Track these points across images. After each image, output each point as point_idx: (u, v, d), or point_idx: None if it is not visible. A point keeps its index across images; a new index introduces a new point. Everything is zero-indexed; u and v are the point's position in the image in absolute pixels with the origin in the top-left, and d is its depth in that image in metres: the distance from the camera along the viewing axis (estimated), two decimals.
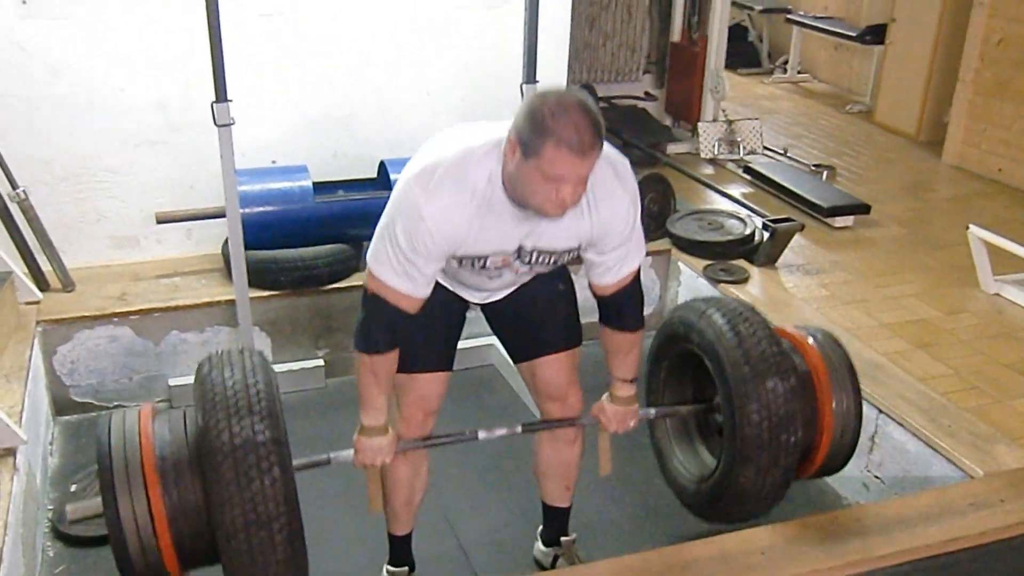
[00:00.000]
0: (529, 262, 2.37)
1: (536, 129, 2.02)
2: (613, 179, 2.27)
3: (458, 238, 2.21)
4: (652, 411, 2.95)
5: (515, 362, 2.78)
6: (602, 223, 2.29)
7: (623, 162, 2.32)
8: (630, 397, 2.64)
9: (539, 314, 2.65)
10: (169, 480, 2.29)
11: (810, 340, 2.87)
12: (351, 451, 2.52)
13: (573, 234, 2.30)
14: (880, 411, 3.34)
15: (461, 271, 2.41)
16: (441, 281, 2.49)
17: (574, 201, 2.12)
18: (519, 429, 2.73)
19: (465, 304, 2.63)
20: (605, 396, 2.68)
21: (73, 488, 3.49)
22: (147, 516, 2.25)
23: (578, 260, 2.45)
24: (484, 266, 2.34)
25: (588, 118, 2.02)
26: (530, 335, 2.68)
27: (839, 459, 2.86)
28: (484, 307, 2.67)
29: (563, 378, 2.70)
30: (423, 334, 2.52)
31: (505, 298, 2.60)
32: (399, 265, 2.23)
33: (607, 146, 2.19)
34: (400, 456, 2.65)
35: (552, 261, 2.39)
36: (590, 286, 2.49)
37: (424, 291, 2.30)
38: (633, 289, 2.48)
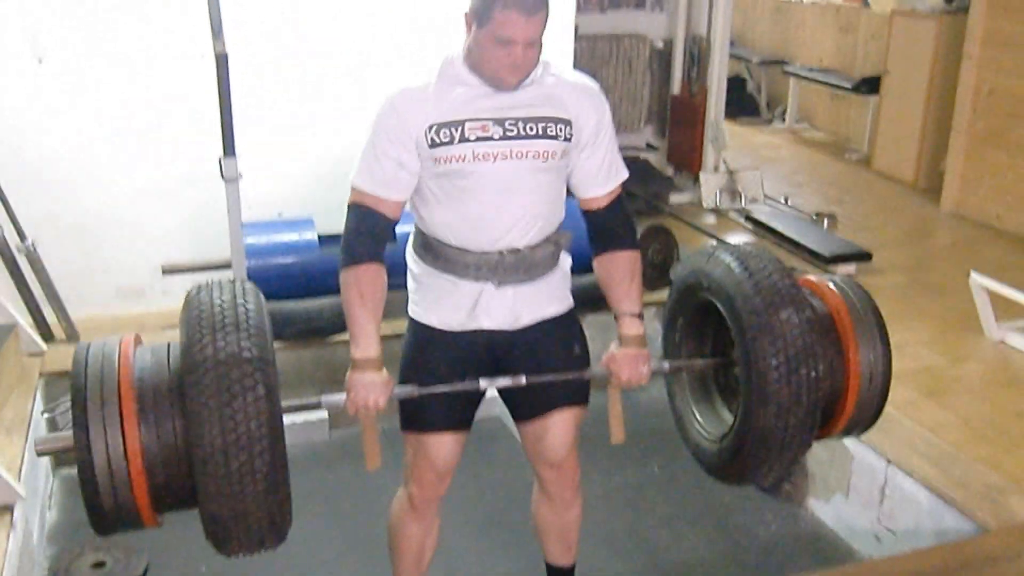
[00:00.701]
0: (516, 134, 2.31)
1: None
2: (581, 84, 2.41)
3: (423, 103, 2.29)
4: (666, 364, 2.71)
5: (516, 419, 2.67)
6: (575, 108, 2.36)
7: (591, 80, 2.46)
8: (640, 337, 2.49)
9: (550, 372, 2.52)
10: (147, 404, 2.10)
11: (830, 284, 2.71)
12: (342, 395, 2.34)
13: (548, 109, 2.33)
14: (889, 461, 3.32)
15: (467, 203, 2.34)
16: (448, 306, 2.44)
17: (527, 62, 2.23)
18: (523, 380, 2.47)
19: (482, 365, 2.49)
20: (613, 343, 2.51)
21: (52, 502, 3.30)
22: (119, 444, 2.05)
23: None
24: (464, 136, 2.27)
25: None
26: (536, 392, 2.55)
27: (870, 409, 2.64)
28: (497, 363, 2.54)
29: (565, 440, 2.60)
30: (434, 389, 2.42)
31: (519, 350, 2.50)
32: (375, 165, 2.31)
33: (580, 74, 2.42)
34: (412, 514, 2.60)
35: (541, 130, 2.32)
36: (581, 207, 2.49)
37: (398, 193, 2.34)
38: (623, 205, 2.49)
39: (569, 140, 2.36)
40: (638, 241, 2.54)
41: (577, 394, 2.62)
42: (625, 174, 2.50)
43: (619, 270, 2.48)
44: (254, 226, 4.16)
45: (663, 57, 6.58)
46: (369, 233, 2.33)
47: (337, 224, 4.43)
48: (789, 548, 3.47)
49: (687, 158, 6.45)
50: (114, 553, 3.32)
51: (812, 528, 3.55)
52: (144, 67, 4.13)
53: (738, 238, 5.51)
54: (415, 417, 2.46)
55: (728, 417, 2.77)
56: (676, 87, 6.50)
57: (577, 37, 4.96)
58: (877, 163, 7.40)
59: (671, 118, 6.62)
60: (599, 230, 2.49)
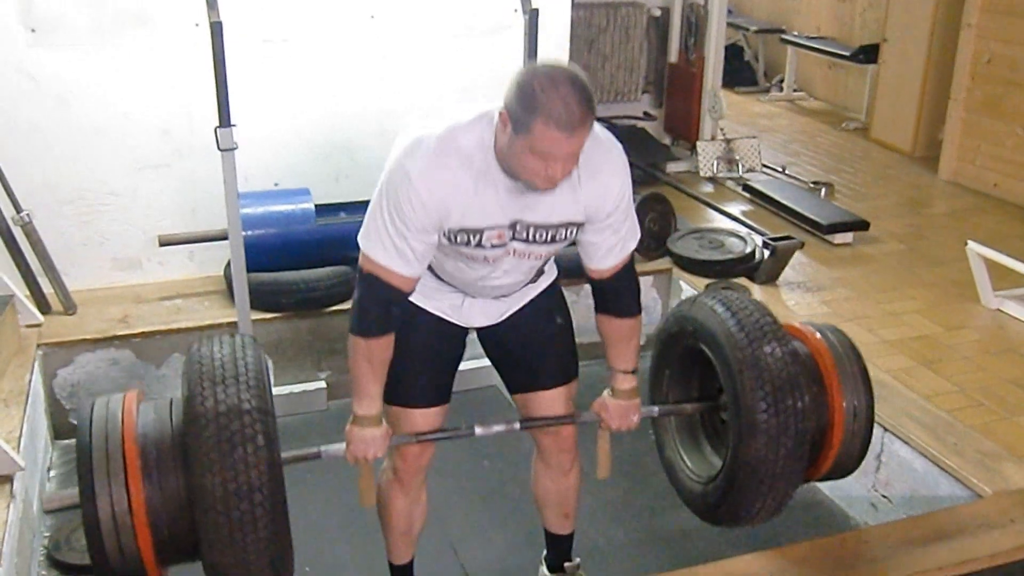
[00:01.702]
0: (526, 239, 2.31)
1: (526, 105, 2.00)
2: (604, 157, 2.25)
3: (449, 204, 2.17)
4: (656, 409, 2.82)
5: (511, 393, 2.75)
6: (595, 198, 2.26)
7: (614, 141, 2.31)
8: (632, 390, 2.57)
9: (537, 347, 2.62)
10: (150, 460, 2.16)
11: (810, 328, 2.81)
12: (342, 445, 2.43)
13: (567, 208, 2.27)
14: (886, 429, 3.34)
15: (459, 263, 2.36)
16: (437, 300, 2.48)
17: (564, 176, 2.10)
18: (517, 426, 2.63)
19: (463, 334, 2.59)
20: (606, 392, 2.60)
21: (52, 473, 3.32)
22: (124, 499, 2.11)
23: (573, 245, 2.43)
24: (480, 243, 2.27)
25: (579, 93, 2.00)
26: (528, 367, 2.64)
27: (856, 446, 2.72)
28: (482, 336, 2.64)
29: (560, 411, 2.65)
30: (420, 367, 2.49)
31: (503, 327, 2.57)
32: (390, 242, 2.19)
33: (599, 126, 2.19)
34: (397, 486, 2.63)
35: (549, 238, 2.32)
36: (586, 273, 2.45)
37: (417, 269, 2.25)
38: (629, 273, 2.45)
39: (578, 231, 2.35)
40: (640, 305, 2.53)
41: (567, 371, 2.67)
42: (634, 243, 2.43)
43: (619, 334, 2.52)
44: (251, 196, 4.15)
45: (660, 25, 6.53)
46: (383, 306, 2.29)
47: (333, 193, 4.50)
48: (785, 516, 3.47)
49: (684, 127, 6.43)
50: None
51: (808, 496, 3.56)
52: (138, 35, 4.10)
53: (735, 207, 5.50)
54: (400, 392, 2.48)
55: (716, 461, 2.88)
56: (673, 56, 6.46)
57: (574, 5, 4.93)
58: (875, 132, 7.38)
59: (668, 87, 6.59)
60: (603, 295, 2.49)
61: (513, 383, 2.72)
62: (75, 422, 3.91)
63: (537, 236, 2.31)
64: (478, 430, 2.57)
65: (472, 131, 2.16)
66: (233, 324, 3.93)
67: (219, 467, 2.06)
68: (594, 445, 2.67)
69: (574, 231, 2.33)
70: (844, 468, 2.76)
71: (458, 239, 2.25)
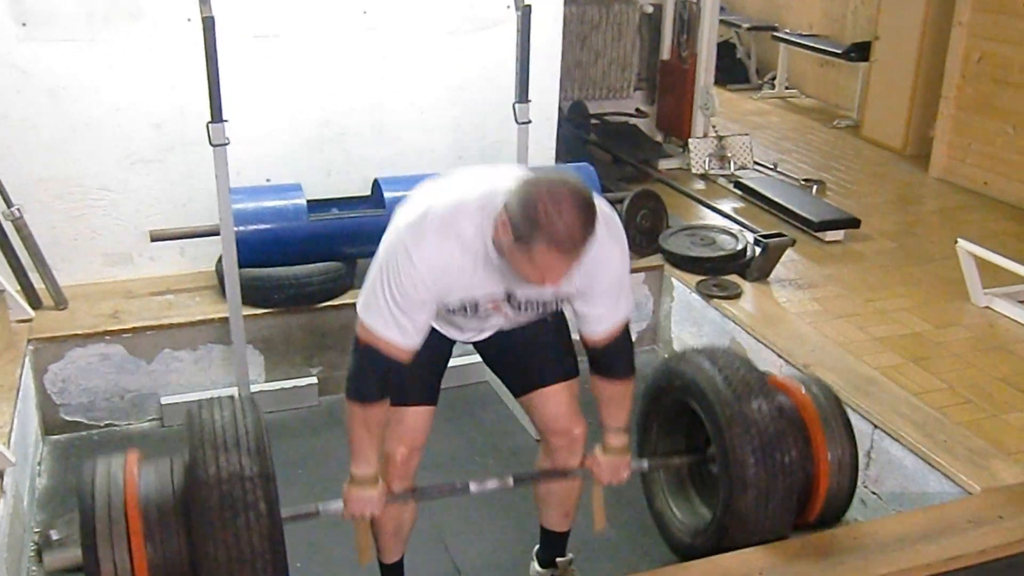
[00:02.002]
0: (519, 308, 2.40)
1: (528, 221, 2.01)
2: (604, 233, 2.23)
3: (448, 284, 2.22)
4: (645, 463, 2.93)
5: (516, 396, 2.77)
6: (591, 275, 2.29)
7: (613, 217, 2.33)
8: (623, 447, 2.64)
9: (530, 345, 2.63)
10: (152, 523, 2.22)
11: (794, 381, 2.94)
12: (340, 502, 2.49)
13: (563, 286, 2.28)
14: (875, 426, 3.36)
15: (453, 316, 2.42)
16: (432, 324, 2.49)
17: (561, 281, 2.14)
18: (511, 482, 2.73)
19: (452, 341, 2.63)
20: (597, 447, 2.67)
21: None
22: (127, 562, 2.17)
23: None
24: (476, 310, 2.37)
25: (581, 215, 2.02)
26: (524, 367, 2.67)
27: (841, 495, 2.87)
28: (478, 346, 2.67)
29: (564, 410, 2.67)
30: (411, 369, 2.47)
31: (497, 334, 2.60)
32: (390, 315, 2.22)
33: (599, 200, 2.19)
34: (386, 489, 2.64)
35: (541, 307, 2.42)
36: (580, 338, 2.50)
37: (416, 341, 2.29)
38: (622, 339, 2.48)
39: (570, 297, 2.40)
40: (634, 368, 2.57)
41: (567, 367, 2.68)
42: (628, 312, 2.45)
43: (611, 395, 2.57)
44: (242, 192, 4.14)
45: (653, 22, 6.53)
46: (381, 376, 2.33)
47: (325, 189, 4.49)
48: None
49: (676, 124, 6.43)
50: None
51: None
52: (131, 30, 4.09)
53: (727, 204, 5.51)
54: (394, 392, 2.48)
55: (706, 512, 3.00)
56: (666, 52, 6.47)
57: (567, 2, 4.93)
58: (866, 129, 7.40)
59: (660, 84, 6.60)
60: (596, 359, 2.53)
61: (515, 386, 2.75)
62: (66, 417, 3.94)
63: (529, 307, 2.40)
64: (473, 487, 2.68)
65: (474, 218, 2.17)
66: (224, 320, 3.92)
67: (222, 534, 2.12)
68: (589, 498, 2.77)
69: (566, 301, 2.42)
70: (831, 515, 2.89)
71: (455, 310, 2.35)
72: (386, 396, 2.36)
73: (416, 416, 2.58)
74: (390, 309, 2.21)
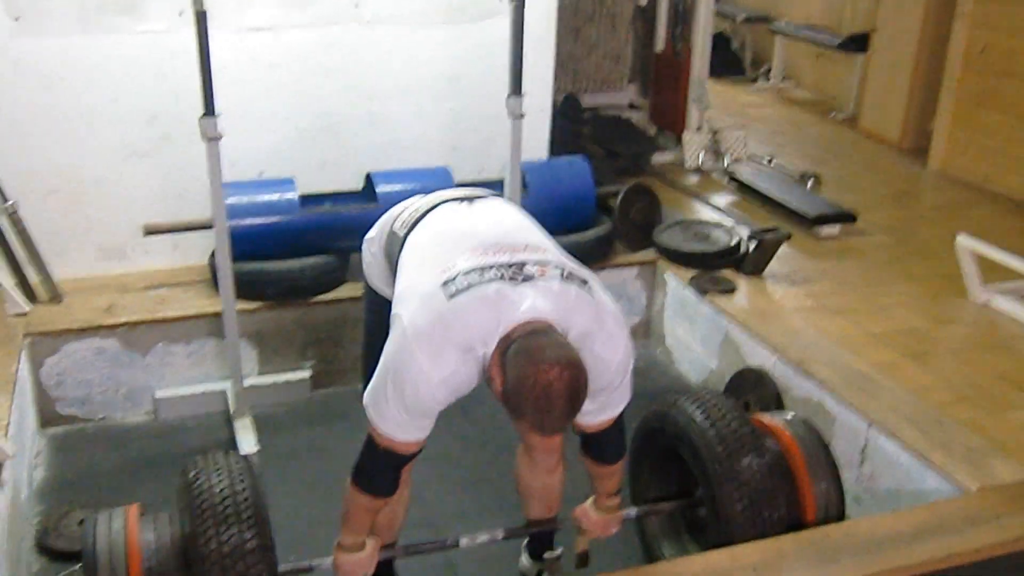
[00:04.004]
0: None
1: (518, 400, 2.02)
2: (603, 335, 2.20)
3: (460, 389, 2.17)
4: (634, 511, 2.95)
5: None
6: (593, 372, 2.19)
7: (612, 314, 2.26)
8: (613, 507, 2.66)
9: None
10: None
11: (780, 423, 2.93)
12: (330, 559, 2.50)
13: None
14: (871, 423, 3.35)
15: None
16: None
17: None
18: (500, 535, 2.76)
19: None
20: (589, 501, 2.68)
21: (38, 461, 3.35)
22: None
23: None
24: None
25: (568, 407, 2.02)
26: None
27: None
28: None
29: None
30: None
31: None
32: (407, 421, 2.19)
33: (604, 298, 2.22)
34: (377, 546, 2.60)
35: None
36: (572, 424, 2.43)
37: (427, 433, 2.26)
38: (615, 428, 2.44)
39: None
40: (625, 448, 2.57)
41: None
42: (624, 405, 2.40)
43: (601, 474, 2.58)
44: (235, 186, 4.12)
45: (647, 14, 6.48)
46: (392, 472, 2.33)
47: (317, 183, 4.47)
48: None
49: (670, 117, 6.39)
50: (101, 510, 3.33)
51: None
52: (123, 24, 4.06)
53: (721, 198, 5.49)
54: None
55: (695, 551, 2.99)
56: (660, 45, 6.43)
57: None
58: (863, 123, 7.36)
59: (654, 77, 6.55)
60: (587, 443, 2.50)
61: None
62: (62, 411, 3.93)
63: None
64: (463, 541, 2.71)
65: (476, 327, 2.10)
66: (218, 314, 3.91)
67: None
68: (575, 535, 2.78)
69: None
70: None
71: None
72: (396, 490, 2.37)
73: None
74: (406, 415, 2.18)
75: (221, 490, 2.38)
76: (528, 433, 2.09)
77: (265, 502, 2.43)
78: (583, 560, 2.81)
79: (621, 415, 2.43)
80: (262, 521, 2.35)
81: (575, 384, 2.02)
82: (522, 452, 2.84)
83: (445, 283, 2.14)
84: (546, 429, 2.08)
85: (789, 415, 3.03)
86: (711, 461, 2.68)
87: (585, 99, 6.43)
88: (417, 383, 2.11)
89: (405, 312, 2.17)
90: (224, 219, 3.64)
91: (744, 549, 2.66)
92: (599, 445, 2.47)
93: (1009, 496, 2.90)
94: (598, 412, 2.34)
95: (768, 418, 2.97)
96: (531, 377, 1.99)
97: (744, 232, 4.68)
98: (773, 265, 4.57)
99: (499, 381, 2.07)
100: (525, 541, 3.09)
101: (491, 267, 2.16)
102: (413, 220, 2.48)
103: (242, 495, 2.38)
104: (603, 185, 4.91)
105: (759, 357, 3.95)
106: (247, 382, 4.00)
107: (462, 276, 2.15)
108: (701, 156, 6.10)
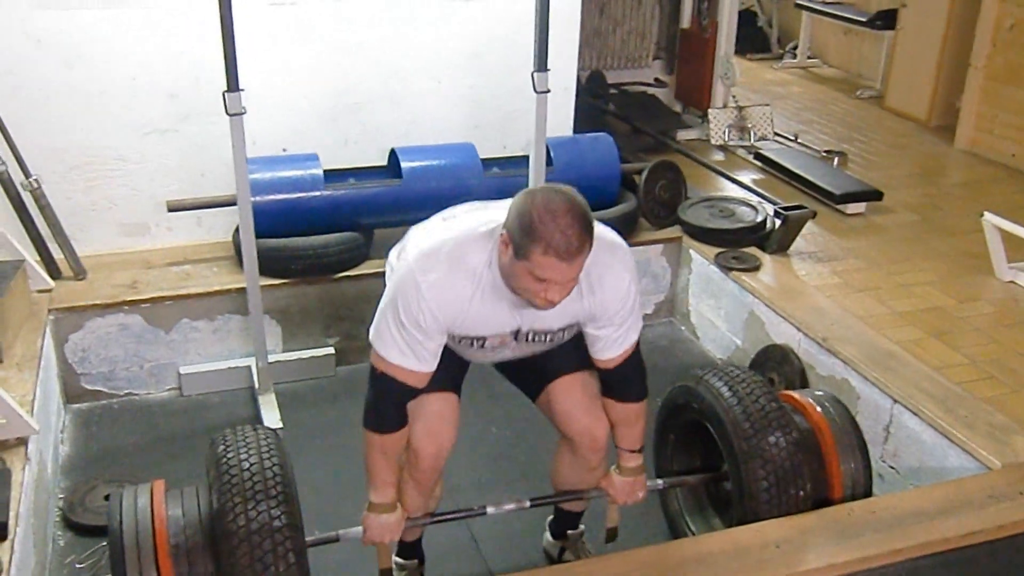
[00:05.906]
0: (527, 340, 2.43)
1: (525, 232, 2.06)
2: (608, 263, 2.30)
3: (457, 315, 2.26)
4: (660, 482, 2.95)
5: (533, 400, 2.75)
6: (599, 303, 2.33)
7: (618, 244, 2.36)
8: (637, 467, 2.67)
9: (541, 354, 2.60)
10: (182, 566, 2.30)
11: (810, 400, 2.91)
12: (359, 528, 2.52)
13: (570, 314, 2.35)
14: (895, 400, 3.33)
15: (461, 347, 2.45)
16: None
17: (563, 298, 2.16)
18: (527, 504, 2.76)
19: None
20: (613, 468, 2.70)
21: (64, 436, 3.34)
22: None
23: None
24: (483, 345, 2.40)
25: (577, 222, 2.05)
26: (535, 367, 2.65)
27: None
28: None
29: (580, 404, 2.62)
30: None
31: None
32: (404, 343, 2.27)
33: (603, 228, 2.26)
34: (412, 483, 2.60)
35: (548, 339, 2.45)
36: (592, 360, 2.51)
37: (431, 365, 2.32)
38: (634, 361, 2.50)
39: (579, 324, 2.43)
40: (646, 389, 2.60)
41: (579, 358, 2.61)
42: (637, 335, 2.46)
43: (624, 417, 2.60)
44: (259, 162, 4.13)
45: None
46: (397, 404, 2.38)
47: (341, 159, 4.47)
48: None
49: (696, 94, 6.36)
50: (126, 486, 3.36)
51: None
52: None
53: (747, 176, 5.46)
54: None
55: (719, 526, 3.01)
56: (686, 21, 6.39)
57: None
58: (890, 100, 7.29)
59: (680, 53, 6.52)
60: (609, 381, 2.55)
61: (530, 388, 2.74)
62: (87, 386, 3.96)
63: (537, 338, 2.43)
64: (490, 510, 2.70)
65: (483, 249, 2.23)
66: (242, 290, 3.92)
67: None
68: (604, 517, 2.81)
69: (576, 328, 2.44)
70: None
71: (462, 342, 2.40)
72: (404, 425, 2.41)
73: (440, 402, 2.53)
74: (403, 337, 2.26)
75: (250, 466, 2.36)
76: (544, 268, 2.05)
77: (294, 479, 2.43)
78: (611, 535, 2.82)
79: (639, 353, 2.50)
80: (291, 498, 2.34)
81: (574, 198, 2.09)
82: (564, 448, 2.79)
83: (445, 219, 2.39)
84: (559, 245, 2.04)
85: (819, 392, 3.01)
86: (738, 438, 2.67)
87: (610, 76, 6.39)
88: (409, 297, 2.22)
89: (411, 246, 2.33)
90: (248, 195, 3.64)
91: (767, 527, 2.65)
92: (620, 381, 2.52)
93: None
94: (615, 341, 2.41)
95: (798, 395, 2.95)
96: (528, 204, 2.09)
97: (769, 209, 4.64)
98: (798, 243, 4.54)
99: (506, 244, 2.13)
100: (549, 519, 3.09)
101: (491, 207, 2.35)
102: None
103: (271, 471, 2.36)
104: (628, 162, 4.89)
105: (784, 334, 3.93)
106: (271, 358, 4.02)
107: (461, 212, 2.39)
108: (727, 133, 6.06)
